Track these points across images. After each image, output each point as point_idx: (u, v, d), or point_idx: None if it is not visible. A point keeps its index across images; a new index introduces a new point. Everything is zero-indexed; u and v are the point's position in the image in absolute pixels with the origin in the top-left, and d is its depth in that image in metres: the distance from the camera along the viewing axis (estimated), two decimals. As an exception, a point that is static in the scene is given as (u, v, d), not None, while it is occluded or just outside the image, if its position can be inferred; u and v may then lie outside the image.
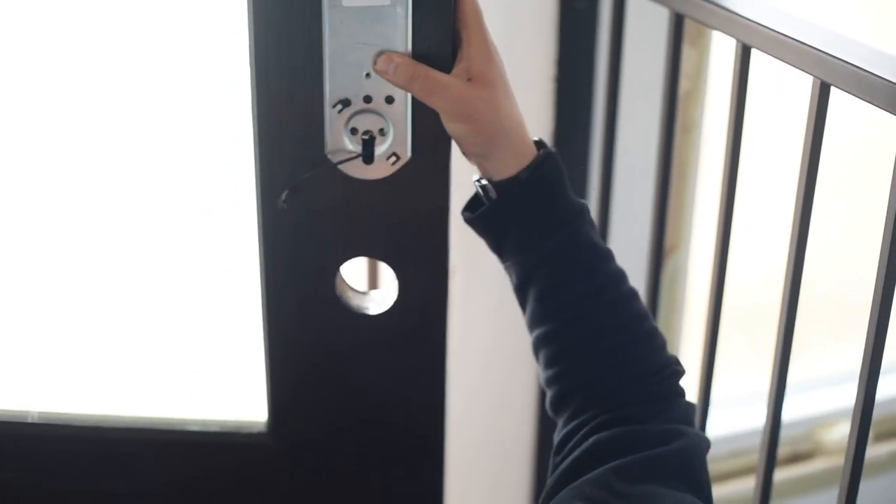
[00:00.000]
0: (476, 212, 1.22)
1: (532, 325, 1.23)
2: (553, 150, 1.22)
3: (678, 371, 1.24)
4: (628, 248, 1.95)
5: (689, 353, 2.19)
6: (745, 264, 1.97)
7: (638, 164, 1.90)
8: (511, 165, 1.19)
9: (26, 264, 1.67)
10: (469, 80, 1.16)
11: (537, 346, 1.23)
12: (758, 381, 1.85)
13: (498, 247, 1.23)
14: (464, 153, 1.21)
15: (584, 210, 1.23)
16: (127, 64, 1.59)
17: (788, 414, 1.60)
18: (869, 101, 1.29)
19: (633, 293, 1.24)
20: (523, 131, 1.20)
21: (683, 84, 1.89)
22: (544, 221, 1.20)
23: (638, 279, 1.88)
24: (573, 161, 1.90)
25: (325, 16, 1.15)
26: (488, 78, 1.16)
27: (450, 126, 1.18)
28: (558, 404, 1.22)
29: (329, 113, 1.19)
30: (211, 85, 1.52)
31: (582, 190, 1.92)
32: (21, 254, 1.67)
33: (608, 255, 1.24)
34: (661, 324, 2.00)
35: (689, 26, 1.67)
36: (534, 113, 1.86)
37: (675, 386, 1.23)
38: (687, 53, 1.84)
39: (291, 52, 1.17)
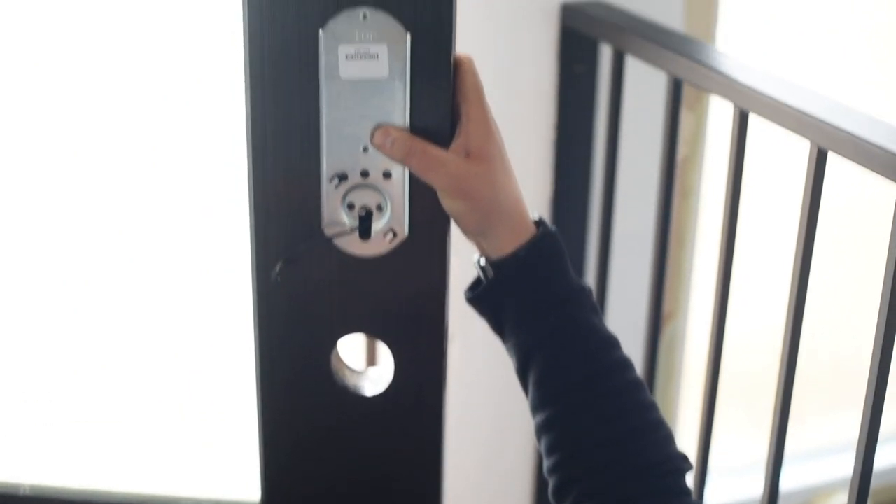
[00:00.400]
0: (475, 291, 1.20)
1: (533, 410, 1.18)
2: (553, 228, 1.19)
3: (684, 468, 1.17)
4: (626, 314, 1.94)
5: (686, 420, 2.18)
6: (742, 331, 1.96)
7: (636, 229, 1.90)
8: (508, 243, 1.16)
9: (22, 278, 1.67)
10: (467, 155, 1.14)
11: (539, 433, 1.18)
12: (756, 450, 1.83)
13: (498, 328, 1.20)
14: (462, 231, 1.18)
15: (585, 292, 1.19)
16: (127, 64, 1.59)
17: (786, 483, 1.59)
18: (866, 167, 1.29)
19: (638, 383, 1.19)
20: (522, 208, 1.17)
21: (682, 149, 1.90)
22: (541, 302, 1.17)
23: (635, 345, 1.88)
24: (571, 225, 1.90)
25: (323, 88, 1.13)
26: (486, 154, 1.14)
27: (446, 203, 1.15)
28: (559, 493, 1.16)
29: (326, 187, 1.17)
30: (211, 85, 1.52)
31: (580, 255, 1.92)
32: (20, 258, 1.66)
33: (611, 342, 1.19)
34: (659, 391, 1.99)
35: (687, 91, 1.68)
36: (533, 177, 1.86)
37: (680, 482, 1.16)
38: (685, 118, 1.84)
39: (288, 124, 1.15)
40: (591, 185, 1.89)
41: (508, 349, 1.20)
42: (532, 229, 1.17)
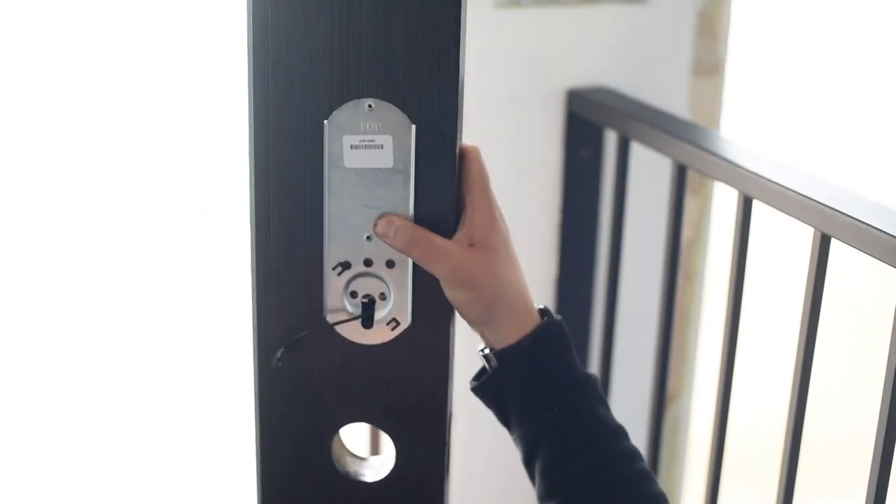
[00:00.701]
0: (479, 381, 1.18)
1: (540, 501, 1.17)
2: (558, 318, 1.18)
3: None
4: (630, 395, 1.96)
5: (691, 499, 2.18)
6: (747, 412, 1.97)
7: (640, 310, 1.91)
8: (512, 333, 1.15)
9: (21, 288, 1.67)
10: (471, 245, 1.13)
11: None
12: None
13: (503, 417, 1.19)
14: (466, 321, 1.17)
15: (590, 381, 1.17)
16: (127, 64, 1.60)
17: None
18: (869, 254, 1.31)
19: (645, 473, 1.17)
20: (526, 298, 1.16)
21: (686, 233, 1.91)
22: (544, 392, 1.15)
23: (640, 425, 1.89)
24: (576, 307, 1.91)
25: (326, 176, 1.13)
26: (490, 243, 1.13)
27: (449, 293, 1.14)
28: None
29: (329, 274, 1.16)
30: (211, 85, 1.52)
31: (584, 337, 1.93)
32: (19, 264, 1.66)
33: (617, 432, 1.17)
34: (663, 470, 2.00)
35: (691, 176, 1.70)
36: (538, 259, 1.88)
37: None
38: (689, 203, 1.86)
39: (292, 212, 1.14)
40: (596, 267, 1.90)
41: (514, 440, 1.19)
42: (536, 318, 1.16)
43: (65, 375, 1.76)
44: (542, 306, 1.18)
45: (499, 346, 1.16)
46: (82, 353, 1.75)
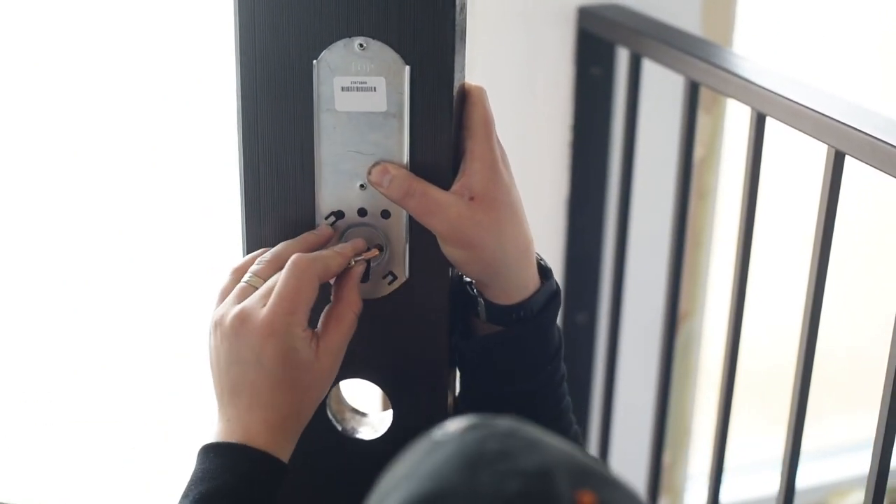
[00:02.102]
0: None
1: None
2: (556, 288, 1.13)
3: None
4: (642, 314, 1.96)
5: (702, 419, 2.19)
6: (759, 330, 1.98)
7: (652, 230, 1.91)
8: (510, 295, 1.10)
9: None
10: (471, 198, 1.06)
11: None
12: (772, 448, 1.84)
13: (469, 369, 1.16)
14: (463, 274, 1.14)
15: (558, 354, 1.15)
16: (127, 64, 1.60)
17: (802, 481, 1.60)
18: (883, 171, 1.30)
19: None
20: (528, 258, 1.10)
21: (698, 151, 1.90)
22: (518, 370, 1.13)
23: (652, 345, 1.89)
24: (587, 226, 1.91)
25: (317, 121, 1.08)
26: (491, 198, 1.06)
27: (446, 249, 1.08)
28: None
29: (322, 224, 1.11)
30: (211, 85, 1.52)
31: (596, 256, 1.93)
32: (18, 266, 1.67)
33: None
34: (675, 390, 2.00)
35: (704, 94, 1.69)
36: (549, 178, 1.87)
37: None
38: (702, 121, 1.85)
39: (282, 158, 1.10)
40: (608, 186, 1.90)
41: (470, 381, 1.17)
42: (536, 282, 1.11)
43: (65, 375, 1.76)
44: (543, 263, 1.14)
45: (495, 301, 1.11)
46: (82, 353, 1.75)
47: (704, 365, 2.18)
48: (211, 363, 1.08)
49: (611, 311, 1.89)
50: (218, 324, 1.05)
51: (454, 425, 0.75)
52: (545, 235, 1.88)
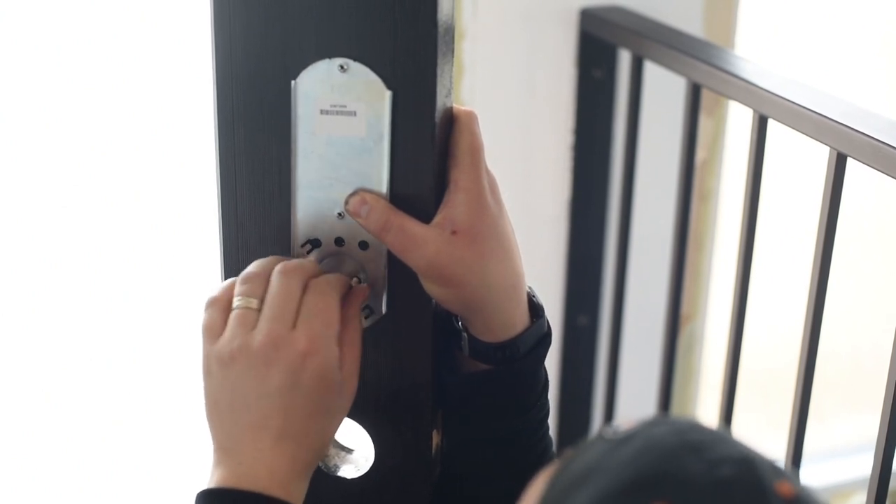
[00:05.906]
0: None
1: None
2: (547, 328, 1.06)
3: None
4: (644, 316, 1.96)
5: (704, 420, 2.19)
6: (761, 332, 1.97)
7: (654, 232, 1.91)
8: (495, 333, 1.03)
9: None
10: (453, 232, 0.98)
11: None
12: (774, 450, 1.84)
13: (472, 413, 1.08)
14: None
15: (544, 392, 1.08)
16: (126, 65, 1.60)
17: (805, 483, 1.59)
18: (885, 172, 1.30)
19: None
20: (516, 296, 1.03)
21: (700, 153, 1.90)
22: (503, 409, 1.07)
23: (654, 347, 1.89)
24: (589, 228, 1.91)
25: (295, 143, 1.01)
26: (475, 232, 0.99)
27: (426, 285, 1.01)
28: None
29: (297, 253, 1.04)
30: (210, 85, 1.52)
31: (598, 258, 1.93)
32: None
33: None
34: (677, 391, 2.00)
35: (706, 96, 1.68)
36: (551, 181, 1.87)
37: None
38: (704, 123, 1.85)
39: (259, 182, 1.04)
40: (610, 188, 1.90)
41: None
42: (524, 321, 1.04)
43: (65, 375, 1.76)
44: (536, 300, 1.07)
45: (482, 337, 1.03)
46: (82, 353, 1.75)
47: (706, 367, 2.18)
48: (215, 406, 1.00)
49: (613, 313, 1.89)
50: (232, 359, 0.96)
51: (627, 424, 0.76)
52: (547, 238, 1.88)
